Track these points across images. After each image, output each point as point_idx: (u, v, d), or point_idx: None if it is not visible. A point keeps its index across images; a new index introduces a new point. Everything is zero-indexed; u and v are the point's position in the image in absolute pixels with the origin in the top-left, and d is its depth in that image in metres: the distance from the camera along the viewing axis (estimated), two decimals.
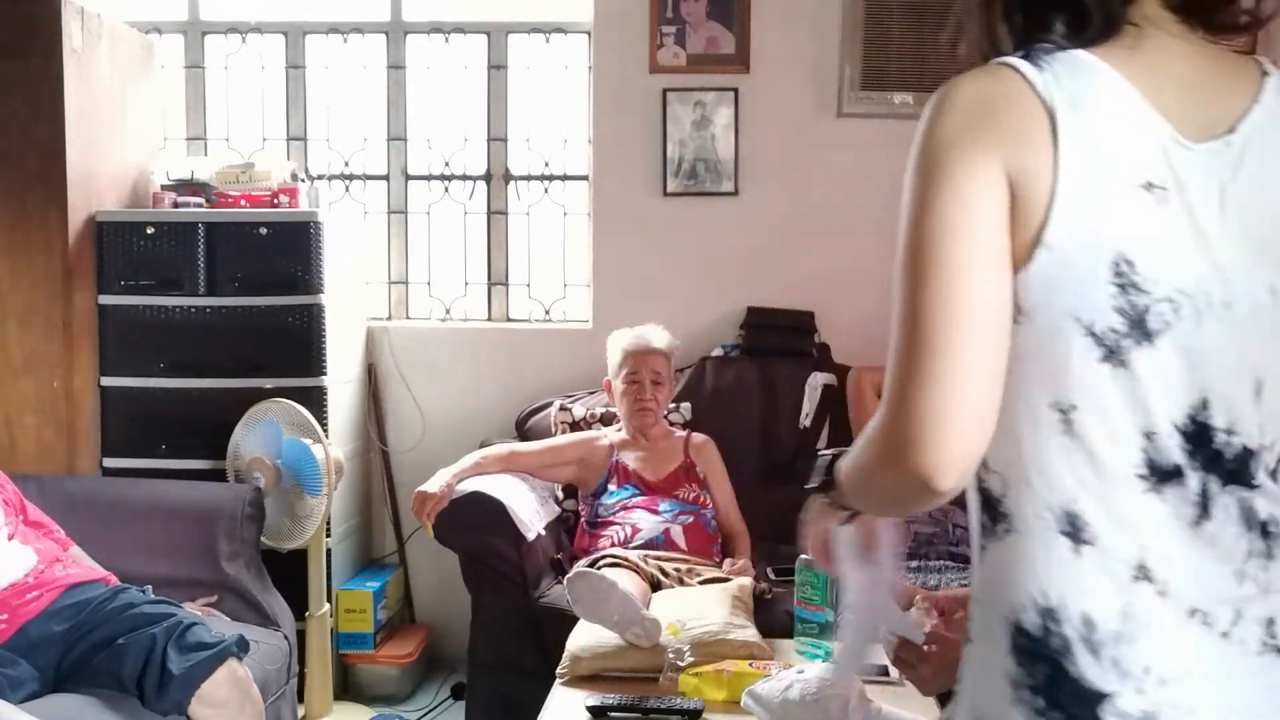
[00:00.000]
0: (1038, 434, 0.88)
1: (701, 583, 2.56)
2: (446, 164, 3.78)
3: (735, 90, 3.49)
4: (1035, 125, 0.86)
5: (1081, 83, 0.87)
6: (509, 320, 3.81)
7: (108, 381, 3.11)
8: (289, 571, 2.90)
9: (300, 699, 2.80)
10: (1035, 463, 0.88)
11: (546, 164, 3.76)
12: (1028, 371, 0.87)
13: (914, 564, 2.69)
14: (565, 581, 2.20)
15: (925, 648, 1.29)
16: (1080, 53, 0.88)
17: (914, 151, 0.89)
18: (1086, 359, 0.86)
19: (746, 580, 2.53)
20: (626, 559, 2.54)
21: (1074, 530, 0.87)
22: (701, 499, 2.95)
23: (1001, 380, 0.86)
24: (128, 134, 3.31)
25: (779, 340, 3.43)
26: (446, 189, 3.79)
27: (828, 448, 1.09)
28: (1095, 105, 0.87)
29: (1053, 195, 0.84)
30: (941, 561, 2.77)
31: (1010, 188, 0.85)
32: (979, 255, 0.85)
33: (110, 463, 3.11)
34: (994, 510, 0.91)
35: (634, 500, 2.90)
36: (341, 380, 3.30)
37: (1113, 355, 0.86)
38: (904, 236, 0.88)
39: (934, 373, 0.84)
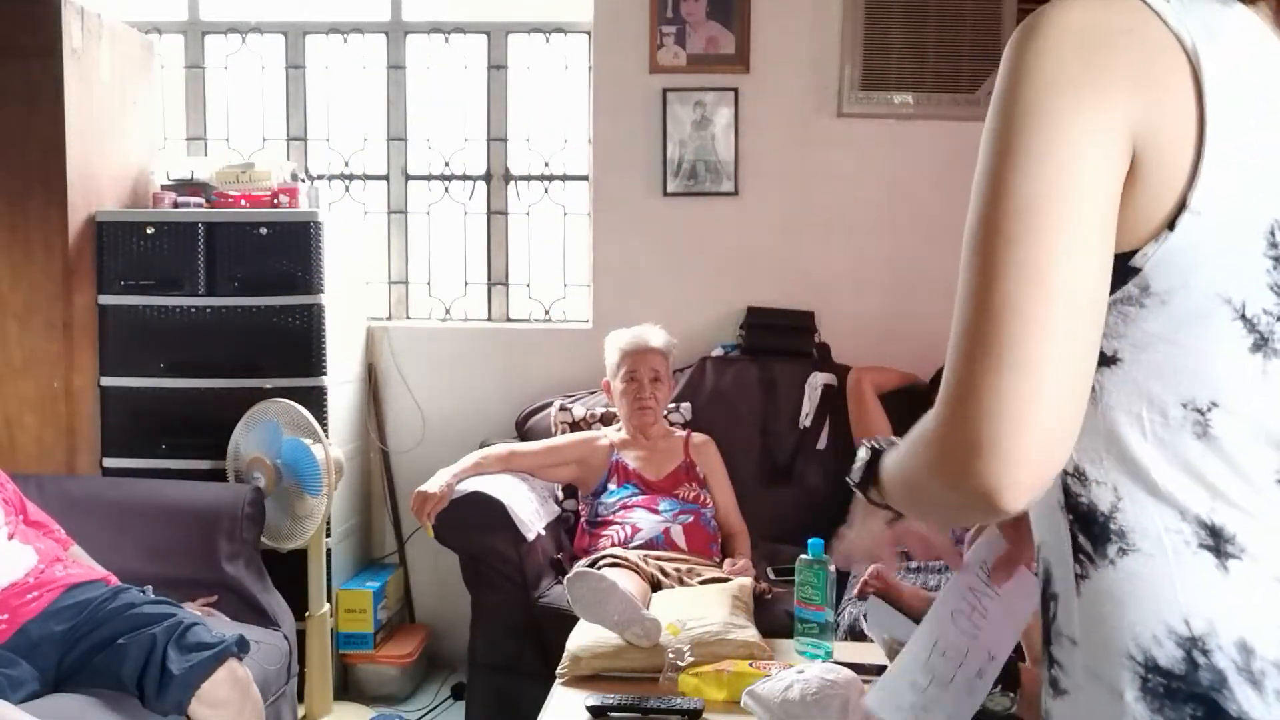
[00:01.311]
0: (1164, 435, 0.75)
1: (701, 583, 2.56)
2: (446, 164, 3.78)
3: (735, 90, 3.49)
4: (1169, 65, 0.72)
5: (1214, 16, 0.73)
6: (509, 320, 3.81)
7: (108, 381, 3.11)
8: (289, 571, 2.90)
9: (300, 699, 2.80)
10: (1161, 470, 0.75)
11: (546, 164, 3.76)
12: (1152, 365, 0.75)
13: (914, 565, 2.69)
14: (565, 581, 2.20)
15: None
16: None
17: (1000, 95, 0.74)
18: (1235, 348, 0.73)
19: (746, 580, 2.52)
20: (626, 559, 2.54)
21: (1217, 544, 0.74)
22: (701, 499, 2.96)
23: (1090, 380, 0.73)
24: (128, 134, 3.31)
25: (779, 340, 3.43)
26: (446, 189, 3.79)
27: (868, 442, 1.00)
28: (1235, 43, 0.73)
29: (1200, 151, 0.71)
30: (942, 561, 2.76)
31: (1134, 144, 0.72)
32: (1085, 224, 0.71)
33: (110, 463, 3.11)
34: (1101, 529, 0.77)
35: (634, 500, 2.91)
36: (341, 380, 3.30)
37: (1265, 344, 0.73)
38: (984, 197, 0.73)
39: (1014, 364, 0.69)
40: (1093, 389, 0.75)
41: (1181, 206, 0.71)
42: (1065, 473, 0.78)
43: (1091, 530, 0.78)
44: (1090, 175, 0.71)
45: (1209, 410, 0.74)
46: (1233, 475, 0.74)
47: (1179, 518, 0.75)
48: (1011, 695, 1.52)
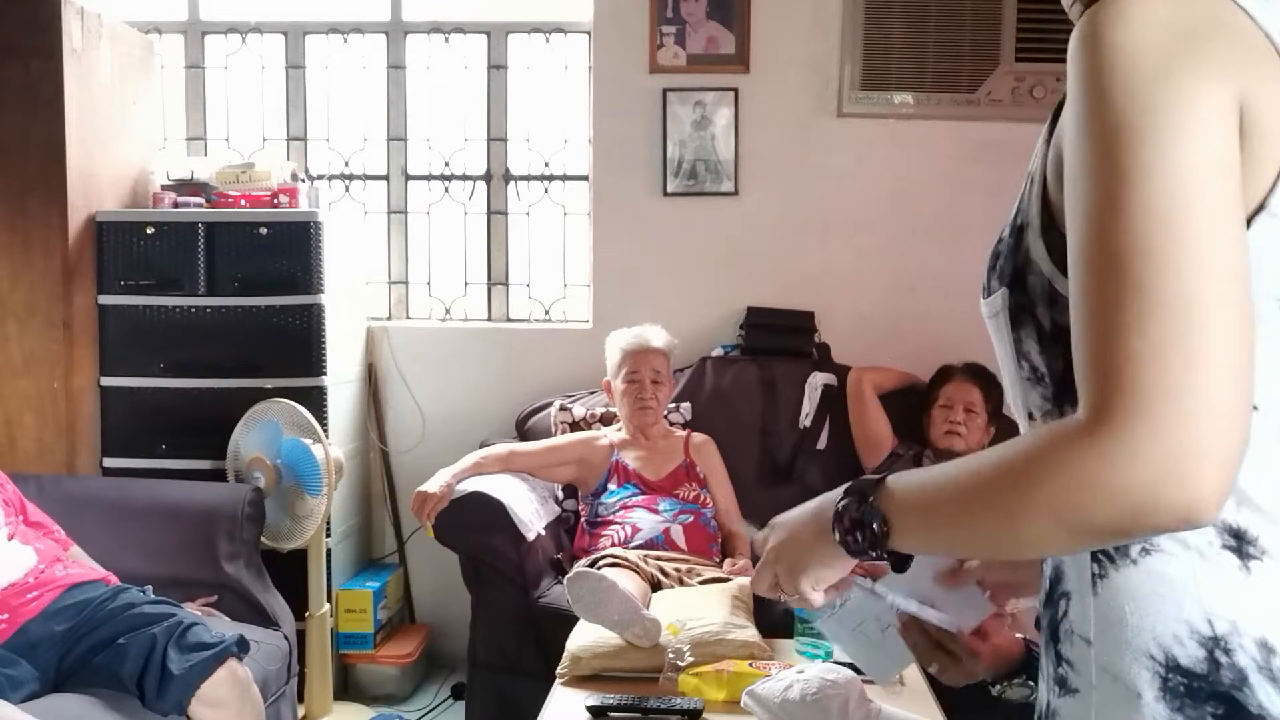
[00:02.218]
0: None
1: (701, 583, 2.56)
2: (446, 164, 3.78)
3: (735, 90, 3.49)
4: (1263, 60, 0.69)
5: None
6: (509, 320, 3.81)
7: (108, 381, 3.11)
8: (289, 571, 2.90)
9: (300, 699, 2.80)
10: None
11: (546, 164, 3.76)
12: None
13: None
14: (565, 581, 2.20)
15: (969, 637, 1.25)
16: None
17: (1093, 83, 0.70)
18: (1278, 351, 0.72)
19: (746, 580, 2.52)
20: (626, 559, 2.54)
21: (1239, 545, 0.73)
22: (701, 498, 2.95)
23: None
24: (128, 134, 3.31)
25: (779, 340, 3.43)
26: (446, 189, 3.79)
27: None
28: None
29: None
30: None
31: (1239, 124, 0.68)
32: (1231, 195, 0.67)
33: (110, 463, 3.11)
34: None
35: (634, 500, 2.91)
36: (341, 380, 3.30)
37: None
38: (1114, 196, 0.67)
39: (1202, 344, 0.64)
40: None
41: (1260, 208, 0.70)
42: None
43: None
44: (1225, 145, 0.67)
45: (1253, 412, 0.71)
46: (1260, 478, 0.73)
47: None
48: (1031, 685, 1.52)
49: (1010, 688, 1.53)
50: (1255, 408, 0.70)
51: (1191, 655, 0.73)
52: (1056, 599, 0.83)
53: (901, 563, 0.91)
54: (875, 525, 0.82)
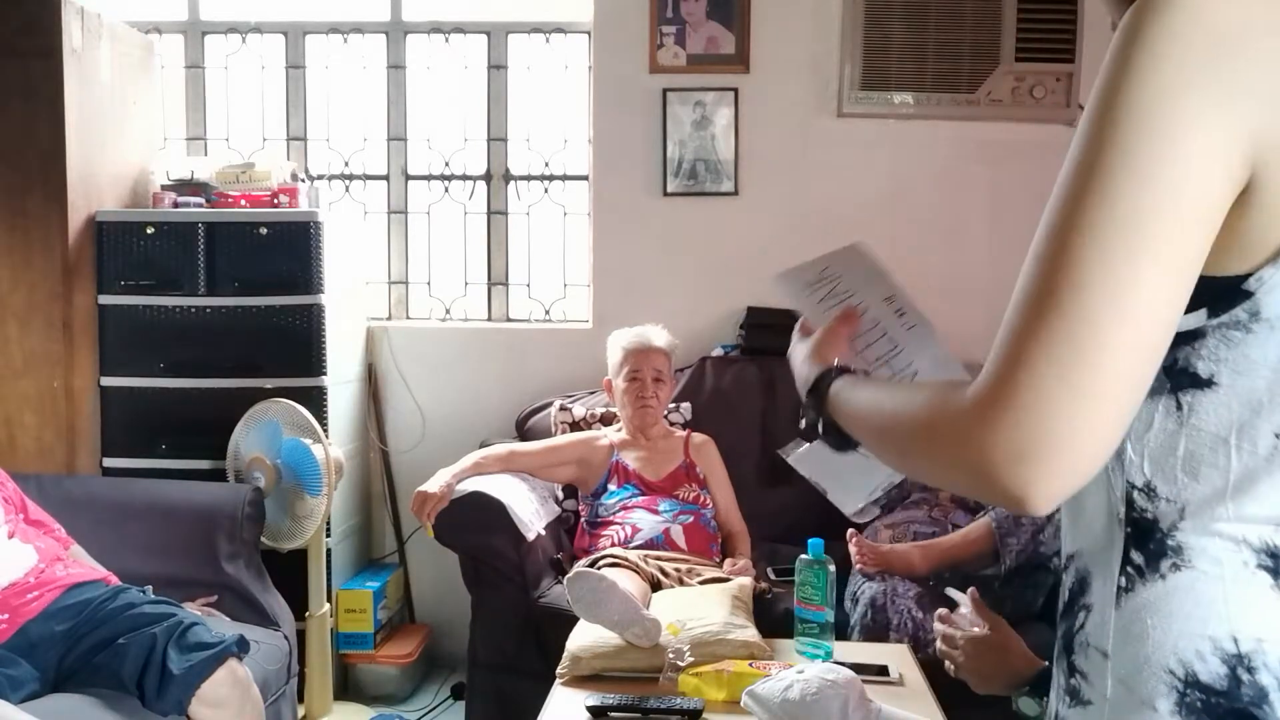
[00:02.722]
0: (1249, 463, 0.73)
1: (701, 583, 2.56)
2: (446, 164, 3.78)
3: (735, 90, 3.49)
4: None
5: None
6: (509, 320, 3.81)
7: (108, 381, 3.11)
8: (289, 571, 2.90)
9: (300, 699, 2.80)
10: (1240, 492, 0.73)
11: (546, 164, 3.76)
12: (1251, 392, 0.72)
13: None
14: (565, 581, 2.20)
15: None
16: None
17: (1109, 82, 0.69)
18: None
19: (746, 580, 2.52)
20: (626, 559, 2.54)
21: (1276, 565, 0.73)
22: (701, 499, 2.95)
23: (1140, 400, 0.70)
24: (128, 134, 3.31)
25: (779, 340, 3.38)
26: (446, 189, 3.79)
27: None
28: None
29: None
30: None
31: (1254, 162, 0.67)
32: (1185, 248, 0.67)
33: (110, 463, 3.12)
34: (1158, 545, 0.76)
35: (634, 500, 2.90)
36: (341, 380, 3.30)
37: None
38: (1076, 197, 0.68)
39: (1079, 383, 0.66)
40: (1180, 408, 0.74)
41: None
42: (1134, 487, 0.77)
43: (1147, 545, 0.76)
44: (1201, 197, 0.66)
45: None
46: None
47: (1242, 539, 0.73)
48: (1043, 699, 1.52)
49: (1022, 701, 1.55)
50: None
51: (1213, 672, 0.73)
52: (1076, 611, 0.83)
53: (840, 444, 0.99)
54: (814, 421, 0.99)
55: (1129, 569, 0.77)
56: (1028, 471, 0.67)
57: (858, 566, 2.57)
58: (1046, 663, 1.57)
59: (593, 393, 3.37)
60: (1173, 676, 0.74)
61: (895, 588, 2.48)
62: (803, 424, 1.03)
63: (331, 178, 3.78)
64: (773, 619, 2.40)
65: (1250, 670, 0.73)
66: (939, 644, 1.71)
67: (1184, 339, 0.72)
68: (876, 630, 2.43)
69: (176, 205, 3.20)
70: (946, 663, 1.69)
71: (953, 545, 2.56)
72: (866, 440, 0.90)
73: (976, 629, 1.67)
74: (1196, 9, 0.66)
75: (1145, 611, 0.76)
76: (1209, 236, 0.68)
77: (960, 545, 2.55)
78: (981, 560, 2.54)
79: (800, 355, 1.09)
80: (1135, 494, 0.77)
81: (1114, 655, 0.78)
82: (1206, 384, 0.73)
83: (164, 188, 3.27)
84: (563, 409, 3.29)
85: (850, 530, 2.61)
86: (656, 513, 2.86)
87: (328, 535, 3.04)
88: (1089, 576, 0.82)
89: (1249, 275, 0.70)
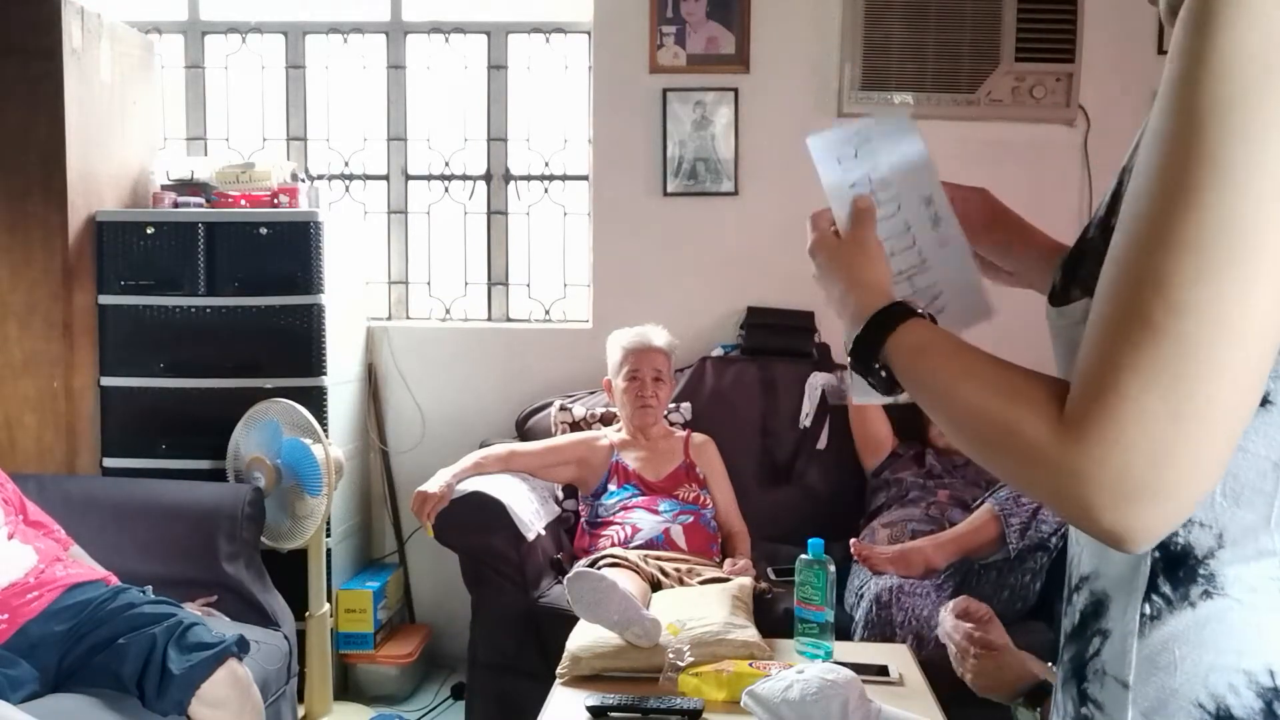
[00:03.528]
0: None
1: (701, 583, 2.56)
2: (446, 164, 3.78)
3: (735, 90, 3.49)
4: None
5: None
6: (509, 320, 3.81)
7: (108, 381, 3.11)
8: (289, 571, 2.90)
9: (300, 699, 2.80)
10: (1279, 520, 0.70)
11: (546, 164, 3.76)
12: None
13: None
14: (565, 581, 2.20)
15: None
16: None
17: (1194, 65, 0.62)
18: None
19: (746, 580, 2.52)
20: (626, 559, 2.54)
21: None
22: (701, 499, 2.95)
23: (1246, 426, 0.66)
24: (128, 134, 3.31)
25: (779, 340, 3.43)
26: (446, 189, 3.79)
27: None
28: None
29: None
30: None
31: None
32: None
33: (110, 463, 3.11)
34: (1188, 572, 0.72)
35: (634, 500, 2.90)
36: (341, 380, 3.30)
37: None
38: (1162, 208, 0.62)
39: (1190, 412, 0.61)
40: None
41: None
42: None
43: (1177, 572, 0.72)
44: None
45: None
46: None
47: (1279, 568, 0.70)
48: (1038, 710, 1.53)
49: (1018, 712, 1.55)
50: None
51: (1247, 706, 0.69)
52: (1090, 635, 0.78)
53: (890, 389, 0.87)
54: (869, 366, 0.86)
55: (1155, 596, 0.73)
56: (1134, 511, 0.63)
57: (872, 567, 2.56)
58: (1046, 669, 1.57)
59: (593, 393, 3.37)
60: (1203, 710, 0.70)
61: (901, 585, 2.48)
62: (850, 362, 0.89)
63: (331, 178, 3.78)
64: (773, 619, 2.41)
65: None
66: (956, 639, 1.69)
67: None
68: (881, 627, 2.42)
69: (176, 205, 3.20)
70: (956, 663, 1.69)
71: (961, 535, 2.56)
72: (933, 415, 0.80)
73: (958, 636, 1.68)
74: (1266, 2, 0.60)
75: (1174, 642, 0.72)
76: None
77: (969, 534, 2.55)
78: (990, 546, 2.54)
79: (834, 266, 0.97)
80: None
81: (1135, 687, 0.73)
82: (1263, 403, 0.68)
83: (164, 188, 3.27)
84: (563, 409, 3.29)
85: (851, 540, 2.61)
86: (656, 513, 2.86)
87: (328, 535, 3.04)
88: (1107, 601, 0.77)
89: None
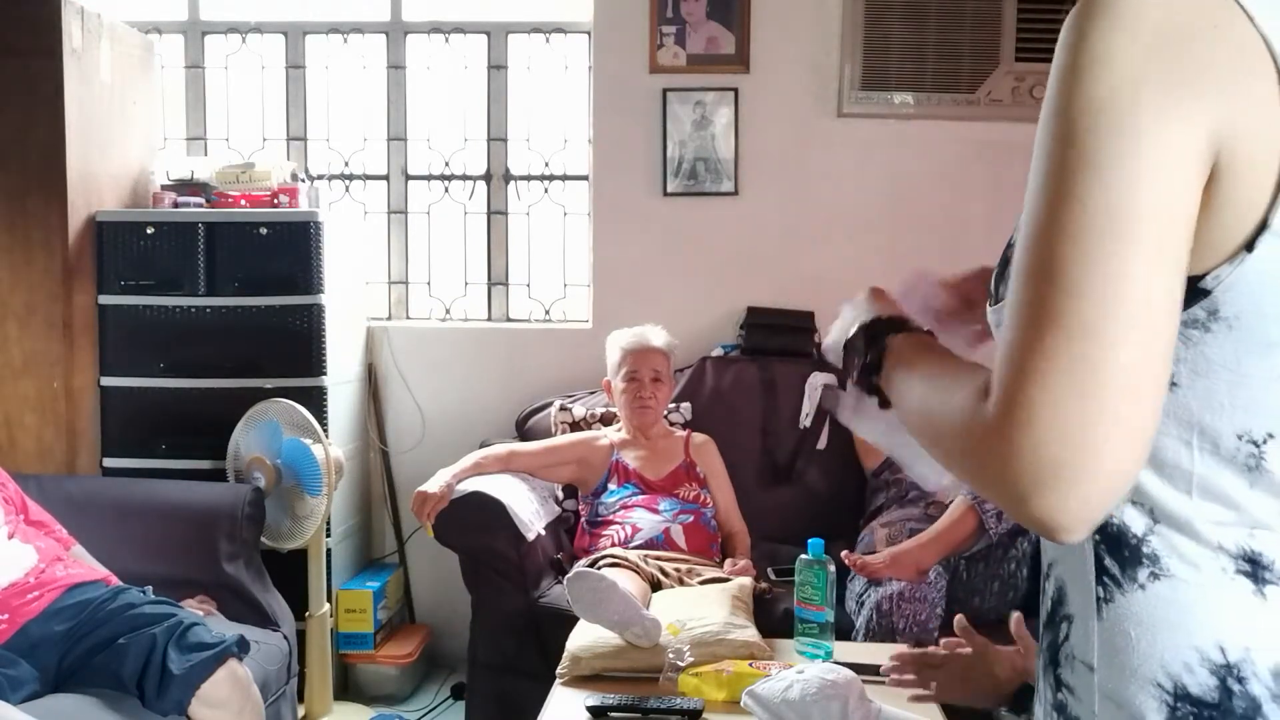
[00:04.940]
0: (1212, 464, 0.72)
1: (701, 583, 2.56)
2: (446, 164, 3.78)
3: (735, 90, 3.49)
4: (1253, 70, 0.65)
5: None
6: (509, 320, 3.81)
7: (108, 381, 3.11)
8: (289, 571, 2.90)
9: (300, 699, 2.80)
10: (1205, 496, 0.72)
11: (546, 164, 3.76)
12: (1210, 392, 0.71)
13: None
14: (565, 581, 2.20)
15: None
16: None
17: (1064, 83, 0.68)
18: None
19: (746, 580, 2.52)
20: (626, 559, 2.54)
21: (1255, 571, 0.72)
22: (702, 499, 2.95)
23: (1161, 409, 0.68)
24: (128, 134, 3.31)
25: (779, 340, 3.43)
26: (446, 189, 3.79)
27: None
28: None
29: None
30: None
31: (1215, 157, 0.66)
32: (1166, 239, 0.65)
33: (110, 463, 3.11)
34: (1132, 553, 0.74)
35: (634, 500, 2.90)
36: (341, 380, 3.30)
37: None
38: (1050, 204, 0.67)
39: (1087, 389, 0.64)
40: None
41: (1263, 226, 0.67)
42: None
43: (1120, 553, 0.75)
44: (1172, 188, 0.65)
45: (1265, 442, 0.71)
46: (1275, 504, 0.72)
47: (1217, 545, 0.72)
48: (1022, 716, 1.53)
49: (1005, 714, 1.55)
50: (1271, 436, 0.71)
51: (1202, 684, 0.72)
52: (1058, 621, 0.81)
53: (885, 401, 0.93)
54: (869, 381, 0.92)
55: (1105, 578, 0.76)
56: (1057, 494, 0.64)
57: (871, 575, 2.56)
58: (1027, 675, 1.57)
59: (593, 393, 3.37)
60: (1161, 690, 0.72)
61: (902, 591, 2.48)
62: (852, 372, 0.96)
63: (331, 178, 3.78)
64: (773, 619, 2.41)
65: (1240, 680, 0.71)
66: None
67: None
68: (882, 636, 2.43)
69: (176, 205, 3.20)
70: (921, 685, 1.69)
71: (943, 531, 2.56)
72: (909, 426, 0.84)
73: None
74: (1139, 5, 0.66)
75: (1128, 623, 0.74)
76: (1188, 224, 0.66)
77: (950, 528, 2.55)
78: (972, 536, 2.54)
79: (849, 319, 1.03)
80: None
81: (1099, 669, 0.76)
82: (1170, 386, 0.71)
83: (164, 188, 3.27)
84: (563, 409, 3.29)
85: (844, 553, 2.60)
86: (656, 512, 2.86)
87: (328, 535, 3.04)
88: (1066, 587, 0.80)
89: (1206, 274, 0.69)
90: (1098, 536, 0.76)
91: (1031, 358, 0.65)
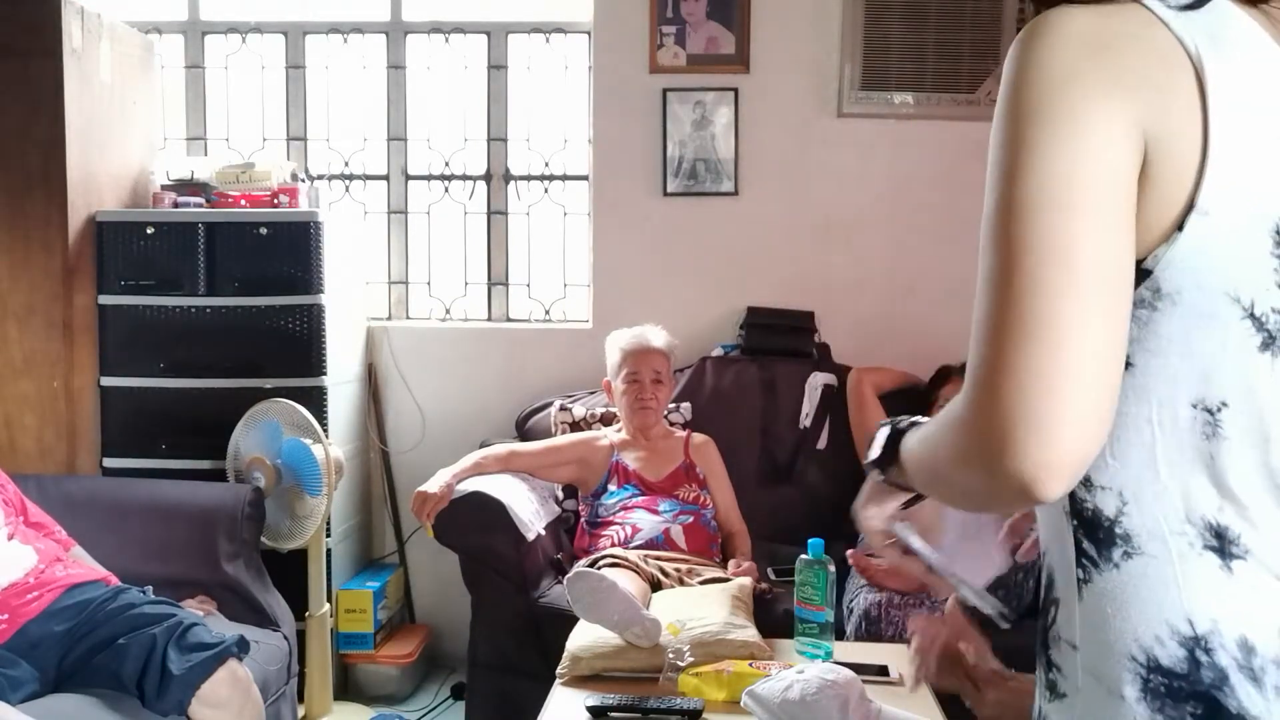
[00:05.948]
0: (1173, 438, 0.76)
1: (701, 583, 2.56)
2: (446, 164, 3.78)
3: (735, 90, 3.49)
4: (1174, 69, 0.73)
5: (1217, 24, 0.75)
6: (509, 320, 3.81)
7: (108, 381, 3.11)
8: (289, 571, 2.90)
9: (300, 699, 2.80)
10: (1170, 471, 0.76)
11: (546, 164, 3.76)
12: (1164, 369, 0.75)
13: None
14: (565, 581, 2.20)
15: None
16: None
17: (1008, 96, 0.75)
18: (1244, 347, 0.74)
19: (746, 580, 2.53)
20: (626, 559, 2.54)
21: (1221, 545, 0.75)
22: (702, 499, 2.95)
23: (1122, 364, 0.73)
24: (128, 134, 3.31)
25: (779, 340, 3.43)
26: (446, 189, 3.79)
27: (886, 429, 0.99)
28: (1238, 49, 0.74)
29: (1205, 152, 0.72)
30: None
31: (1145, 143, 0.73)
32: (1106, 204, 0.71)
33: (110, 463, 3.11)
34: (1106, 534, 0.78)
35: (634, 500, 2.90)
36: (341, 380, 3.30)
37: (1273, 342, 0.74)
38: (999, 186, 0.74)
39: (1043, 339, 0.69)
40: None
41: (1190, 207, 0.73)
42: None
43: (1096, 535, 0.79)
44: (1109, 163, 0.72)
45: (1219, 410, 0.75)
46: (1240, 475, 0.75)
47: (1184, 520, 0.76)
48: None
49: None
50: (1225, 404, 0.75)
51: (1172, 655, 0.75)
52: (1047, 605, 0.85)
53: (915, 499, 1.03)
54: (885, 477, 0.99)
55: (1084, 560, 0.80)
56: (1025, 446, 0.69)
57: (870, 579, 2.56)
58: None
59: (593, 393, 3.37)
60: (1135, 663, 0.76)
61: (890, 599, 2.48)
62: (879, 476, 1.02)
63: (331, 178, 3.78)
64: (773, 619, 2.41)
65: (1208, 651, 0.74)
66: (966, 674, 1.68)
67: None
68: (869, 641, 2.43)
69: (176, 205, 3.20)
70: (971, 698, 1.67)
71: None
72: (918, 481, 0.91)
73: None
74: (1069, 24, 0.74)
75: (1104, 600, 0.78)
76: (1128, 200, 0.72)
77: None
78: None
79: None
80: (1074, 486, 0.78)
81: (1082, 646, 0.80)
82: (1125, 366, 0.75)
83: (164, 188, 3.27)
84: (563, 409, 3.29)
85: (849, 551, 2.60)
86: (656, 513, 2.86)
87: (328, 535, 3.04)
88: (1053, 572, 0.84)
89: (1147, 256, 0.74)
90: (1075, 521, 0.80)
91: (992, 323, 0.71)
